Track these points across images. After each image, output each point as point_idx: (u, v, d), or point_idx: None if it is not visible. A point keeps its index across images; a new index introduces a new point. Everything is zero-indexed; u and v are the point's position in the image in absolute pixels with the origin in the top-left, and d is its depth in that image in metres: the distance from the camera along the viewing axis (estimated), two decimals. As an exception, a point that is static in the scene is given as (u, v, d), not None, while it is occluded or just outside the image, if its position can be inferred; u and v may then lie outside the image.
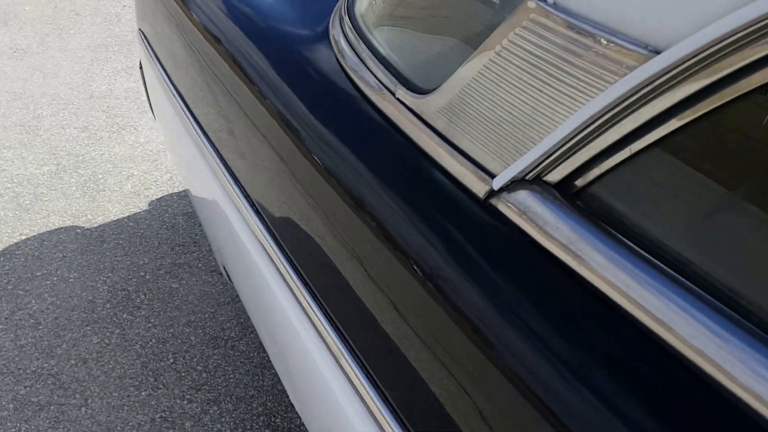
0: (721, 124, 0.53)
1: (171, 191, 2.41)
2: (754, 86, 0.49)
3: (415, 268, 0.73)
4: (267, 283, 1.11)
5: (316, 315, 0.95)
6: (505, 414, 0.64)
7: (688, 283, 0.55)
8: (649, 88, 0.54)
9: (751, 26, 0.47)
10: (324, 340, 0.93)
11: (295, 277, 1.01)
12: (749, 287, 0.53)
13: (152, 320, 1.91)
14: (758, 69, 0.48)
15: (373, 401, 0.82)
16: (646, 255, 0.58)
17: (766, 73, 0.48)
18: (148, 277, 2.05)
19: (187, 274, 2.07)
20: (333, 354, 0.90)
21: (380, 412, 0.80)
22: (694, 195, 0.58)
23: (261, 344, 1.87)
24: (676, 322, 0.53)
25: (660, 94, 0.54)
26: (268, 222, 1.11)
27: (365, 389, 0.83)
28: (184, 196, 2.39)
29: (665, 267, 0.56)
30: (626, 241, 0.59)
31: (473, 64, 0.71)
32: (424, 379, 0.75)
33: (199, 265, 2.11)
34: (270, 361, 1.81)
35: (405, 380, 0.79)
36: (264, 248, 1.12)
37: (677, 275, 0.55)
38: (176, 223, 2.27)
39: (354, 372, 0.85)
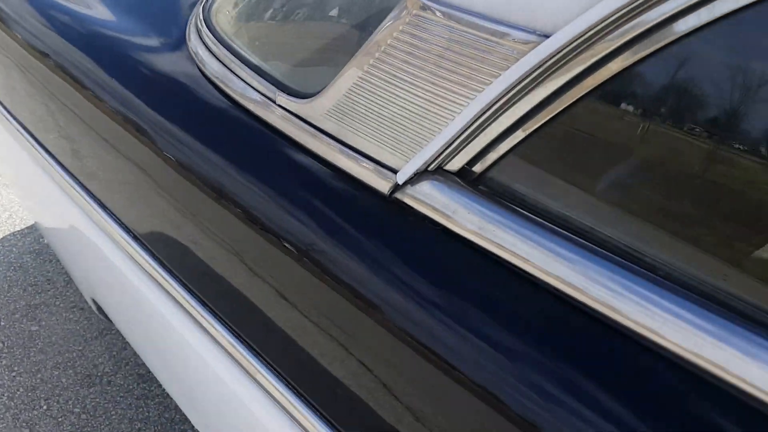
0: (611, 98, 0.57)
1: (13, 230, 2.23)
2: (638, 58, 0.53)
3: (327, 272, 0.73)
4: (152, 304, 1.06)
5: (214, 328, 0.92)
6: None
7: (594, 246, 0.59)
8: (540, 70, 0.58)
9: (631, 4, 0.51)
10: (228, 353, 0.91)
11: (185, 294, 0.97)
12: (650, 243, 0.58)
13: (16, 368, 1.77)
14: (640, 42, 0.53)
15: (289, 401, 0.81)
16: (552, 227, 0.61)
17: (648, 44, 0.53)
18: (2, 323, 1.89)
19: (46, 315, 1.93)
20: (241, 365, 0.88)
21: (295, 408, 0.80)
22: (589, 166, 0.62)
23: (140, 375, 1.79)
24: (587, 285, 0.57)
25: (551, 75, 0.58)
26: (147, 244, 1.06)
27: (281, 393, 0.82)
28: (29, 233, 2.22)
29: (571, 235, 0.60)
30: (532, 216, 0.63)
31: (359, 63, 0.72)
32: (338, 376, 0.75)
33: (58, 303, 1.98)
34: (154, 391, 1.73)
35: (319, 378, 0.79)
36: (143, 268, 1.07)
37: (583, 240, 0.60)
38: (24, 262, 2.11)
39: (267, 380, 0.83)
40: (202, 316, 0.95)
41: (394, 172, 0.70)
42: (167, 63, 1.07)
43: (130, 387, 1.75)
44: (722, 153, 0.56)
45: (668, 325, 0.52)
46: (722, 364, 0.50)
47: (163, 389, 1.75)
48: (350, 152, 0.74)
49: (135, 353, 1.83)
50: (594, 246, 0.59)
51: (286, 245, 0.77)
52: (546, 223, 0.62)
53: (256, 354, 0.85)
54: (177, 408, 1.71)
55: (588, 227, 0.61)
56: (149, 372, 1.80)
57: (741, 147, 0.54)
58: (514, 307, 0.61)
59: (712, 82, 0.54)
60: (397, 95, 0.69)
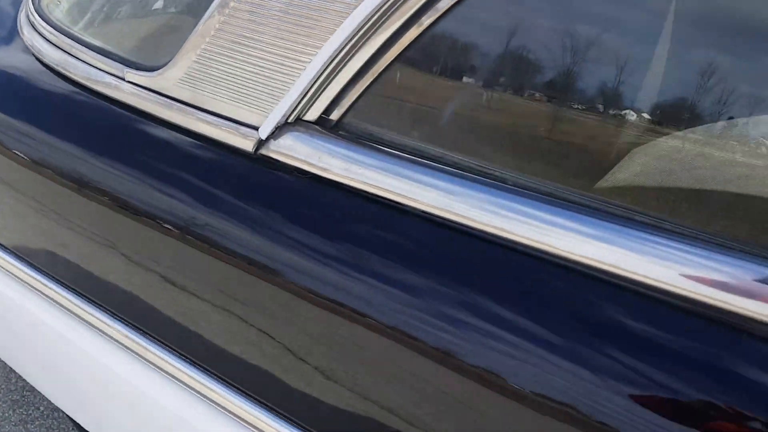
0: (448, 33, 0.62)
1: None
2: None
3: (206, 240, 0.73)
4: (32, 313, 1.01)
5: (104, 323, 0.90)
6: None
7: (451, 169, 0.64)
8: (378, 14, 0.62)
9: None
10: (122, 344, 0.89)
11: (69, 295, 0.94)
12: (496, 160, 0.63)
13: None
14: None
15: (192, 377, 0.81)
16: (411, 158, 0.66)
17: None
18: None
19: None
20: (138, 354, 0.86)
21: (201, 383, 0.80)
22: (435, 98, 0.67)
23: (14, 401, 1.70)
24: (451, 204, 0.62)
25: (389, 19, 0.62)
26: (14, 251, 1.01)
27: (184, 372, 0.82)
28: None
29: (430, 162, 0.65)
30: (392, 151, 0.67)
31: (205, 29, 0.73)
32: (240, 348, 0.76)
33: None
34: (32, 414, 1.66)
35: (222, 352, 0.79)
36: (17, 277, 1.02)
37: (440, 165, 0.64)
38: None
39: (169, 363, 0.83)
40: (88, 312, 0.92)
41: (256, 129, 0.72)
42: (2, 59, 1.02)
43: (6, 414, 1.66)
44: (549, 74, 0.62)
45: (513, 222, 0.58)
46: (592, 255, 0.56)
47: (43, 410, 1.67)
48: (209, 117, 0.75)
49: (6, 379, 1.74)
50: (451, 169, 0.64)
51: (159, 222, 0.77)
52: (405, 155, 0.66)
53: (152, 339, 0.84)
54: (60, 426, 1.64)
55: (441, 153, 0.65)
56: (24, 396, 1.71)
57: (561, 65, 0.61)
58: (393, 237, 0.65)
59: (539, 13, 0.60)
60: (248, 54, 0.71)
